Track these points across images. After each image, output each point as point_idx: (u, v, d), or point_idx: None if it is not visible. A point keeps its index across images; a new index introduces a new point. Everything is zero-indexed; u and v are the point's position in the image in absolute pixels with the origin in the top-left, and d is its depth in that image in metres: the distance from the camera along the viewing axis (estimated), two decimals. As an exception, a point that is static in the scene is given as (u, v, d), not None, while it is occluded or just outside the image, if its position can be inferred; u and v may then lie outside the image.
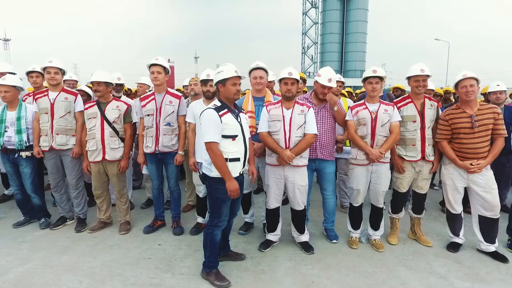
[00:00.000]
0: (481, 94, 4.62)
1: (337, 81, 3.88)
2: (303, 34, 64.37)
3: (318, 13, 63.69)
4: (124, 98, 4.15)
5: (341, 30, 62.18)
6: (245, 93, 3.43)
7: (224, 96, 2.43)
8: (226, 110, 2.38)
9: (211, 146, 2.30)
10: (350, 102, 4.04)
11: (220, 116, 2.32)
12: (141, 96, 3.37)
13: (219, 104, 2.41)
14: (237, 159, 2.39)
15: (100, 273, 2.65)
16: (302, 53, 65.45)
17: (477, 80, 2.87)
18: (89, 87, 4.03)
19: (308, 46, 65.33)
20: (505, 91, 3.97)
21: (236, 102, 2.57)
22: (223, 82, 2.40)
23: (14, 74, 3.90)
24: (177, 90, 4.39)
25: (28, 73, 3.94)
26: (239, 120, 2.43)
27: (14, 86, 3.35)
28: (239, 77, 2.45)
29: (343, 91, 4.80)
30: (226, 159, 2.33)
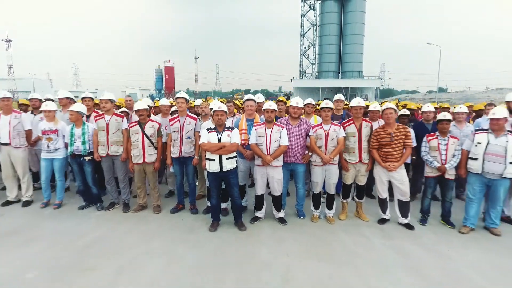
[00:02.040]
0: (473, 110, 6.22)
1: (308, 104, 5.32)
2: (301, 35, 65.62)
3: (316, 15, 64.90)
4: (154, 117, 5.56)
5: (339, 32, 63.38)
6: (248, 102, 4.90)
7: (213, 121, 4.03)
8: (213, 130, 4.02)
9: (201, 144, 4.04)
10: (319, 120, 5.48)
11: (209, 132, 4.00)
12: (169, 118, 4.84)
13: (212, 126, 4.07)
14: (212, 160, 4.02)
15: (148, 235, 4.12)
16: (301, 54, 66.80)
17: (394, 109, 4.34)
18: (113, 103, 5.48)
19: (307, 46, 66.54)
20: (433, 111, 5.45)
21: (233, 122, 4.13)
22: (213, 112, 3.96)
23: (73, 99, 5.39)
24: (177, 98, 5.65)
25: (83, 98, 5.43)
26: (219, 136, 4.01)
27: (78, 111, 4.81)
28: (223, 111, 3.99)
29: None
30: (206, 158, 4.03)
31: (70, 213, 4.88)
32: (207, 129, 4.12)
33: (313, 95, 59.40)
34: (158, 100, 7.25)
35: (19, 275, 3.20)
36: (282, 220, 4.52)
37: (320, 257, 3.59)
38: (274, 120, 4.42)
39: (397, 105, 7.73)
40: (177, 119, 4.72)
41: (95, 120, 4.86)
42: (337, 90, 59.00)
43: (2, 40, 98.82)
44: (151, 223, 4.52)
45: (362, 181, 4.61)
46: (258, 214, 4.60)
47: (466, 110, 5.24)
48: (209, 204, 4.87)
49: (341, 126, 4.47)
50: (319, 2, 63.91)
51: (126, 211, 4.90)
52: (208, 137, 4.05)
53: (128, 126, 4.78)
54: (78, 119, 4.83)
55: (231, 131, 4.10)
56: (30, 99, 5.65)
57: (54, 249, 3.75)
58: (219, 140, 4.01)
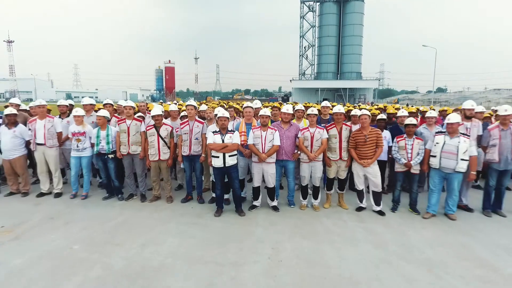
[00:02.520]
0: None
1: (299, 109, 6.19)
2: (300, 37, 66.46)
3: (315, 17, 65.75)
4: (166, 121, 6.39)
5: (338, 33, 64.26)
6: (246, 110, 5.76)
7: (217, 125, 4.87)
8: (217, 133, 4.80)
9: (208, 144, 4.85)
10: (307, 123, 6.33)
11: (214, 134, 4.77)
12: (180, 122, 5.72)
13: (217, 129, 4.85)
14: (217, 157, 4.86)
15: (164, 219, 4.99)
16: (300, 55, 67.70)
17: (369, 115, 5.21)
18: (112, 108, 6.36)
19: (308, 46, 67.31)
20: (407, 115, 6.31)
21: (234, 125, 5.01)
22: (217, 118, 4.83)
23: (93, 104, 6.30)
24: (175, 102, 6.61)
25: (104, 104, 6.31)
26: (222, 138, 4.83)
27: (104, 116, 5.69)
28: (226, 117, 4.84)
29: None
30: (212, 156, 4.86)
31: (96, 203, 5.76)
32: (213, 132, 4.99)
33: (312, 96, 60.31)
34: (164, 103, 8.11)
35: (68, 246, 4.08)
36: (275, 208, 5.40)
37: (304, 235, 4.46)
38: (269, 124, 5.29)
39: (395, 106, 8.55)
40: (187, 123, 5.59)
41: (118, 124, 5.74)
42: (336, 91, 59.92)
43: (4, 41, 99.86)
44: (165, 210, 5.39)
45: (343, 175, 5.48)
46: (255, 203, 5.47)
47: (435, 114, 6.10)
48: (213, 195, 5.74)
49: (324, 129, 5.34)
50: (318, 3, 64.74)
51: (143, 201, 5.77)
52: (213, 139, 4.92)
53: (146, 129, 5.65)
54: (104, 123, 5.70)
55: (233, 134, 4.97)
56: (58, 105, 6.52)
57: (89, 229, 4.62)
58: (223, 141, 4.87)
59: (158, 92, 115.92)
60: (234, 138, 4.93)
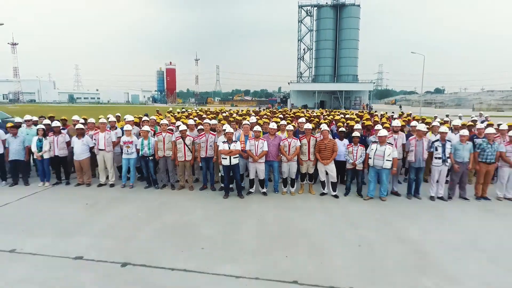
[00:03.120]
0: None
1: (282, 124, 8.69)
2: (298, 40, 68.92)
3: (313, 21, 68.20)
4: (189, 133, 8.87)
5: (335, 37, 66.69)
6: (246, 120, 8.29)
7: (225, 137, 7.40)
8: (225, 142, 7.32)
9: (219, 150, 7.33)
10: (286, 135, 8.84)
11: (223, 143, 7.30)
12: (199, 134, 8.23)
13: (225, 140, 7.37)
14: (225, 158, 7.34)
15: (191, 200, 7.51)
16: (298, 58, 70.21)
17: (328, 130, 7.72)
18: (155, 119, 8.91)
19: (305, 49, 69.75)
20: (360, 129, 8.81)
21: (236, 136, 7.52)
22: (225, 132, 7.37)
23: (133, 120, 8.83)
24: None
25: (142, 121, 8.86)
26: (229, 146, 7.32)
27: (147, 131, 8.20)
28: (232, 133, 7.35)
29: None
30: (222, 158, 7.33)
31: (140, 190, 8.28)
32: (222, 142, 7.46)
33: (309, 98, 62.76)
34: (182, 114, 10.61)
35: (136, 213, 6.62)
36: (264, 193, 7.92)
37: (282, 209, 6.99)
38: (261, 135, 7.80)
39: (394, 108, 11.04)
40: (204, 135, 8.10)
41: (156, 136, 8.27)
42: (332, 93, 62.32)
43: (8, 43, 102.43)
44: (189, 195, 7.92)
45: (311, 171, 8.00)
46: (250, 190, 8.00)
47: (398, 124, 8.59)
48: (222, 185, 8.26)
49: (298, 140, 7.85)
50: (315, 8, 67.16)
51: (173, 189, 8.30)
52: (223, 146, 7.43)
53: (175, 139, 8.16)
54: (146, 135, 8.22)
55: (236, 143, 7.48)
56: (110, 121, 9.05)
57: (143, 206, 7.15)
58: (229, 148, 7.36)
59: (159, 93, 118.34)
60: (236, 146, 7.44)
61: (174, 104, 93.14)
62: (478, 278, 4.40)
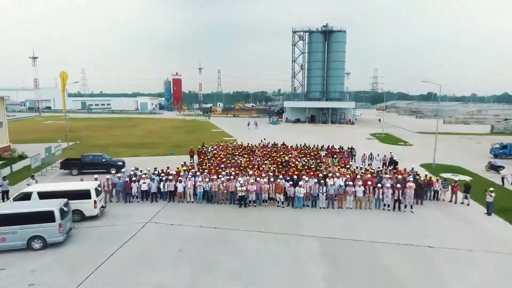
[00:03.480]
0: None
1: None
2: (292, 61, 78.35)
3: (305, 44, 77.52)
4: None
5: (324, 59, 75.98)
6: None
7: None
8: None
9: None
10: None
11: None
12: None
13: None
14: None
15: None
16: (292, 77, 79.61)
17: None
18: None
19: (301, 65, 79.08)
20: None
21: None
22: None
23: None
24: None
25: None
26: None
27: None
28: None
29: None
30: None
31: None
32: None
33: (301, 113, 72.38)
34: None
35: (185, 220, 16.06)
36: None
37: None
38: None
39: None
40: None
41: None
42: (321, 109, 71.86)
43: (29, 57, 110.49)
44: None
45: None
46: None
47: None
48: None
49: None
50: (307, 33, 76.49)
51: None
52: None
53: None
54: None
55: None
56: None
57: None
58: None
59: (166, 101, 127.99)
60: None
61: (181, 112, 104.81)
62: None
